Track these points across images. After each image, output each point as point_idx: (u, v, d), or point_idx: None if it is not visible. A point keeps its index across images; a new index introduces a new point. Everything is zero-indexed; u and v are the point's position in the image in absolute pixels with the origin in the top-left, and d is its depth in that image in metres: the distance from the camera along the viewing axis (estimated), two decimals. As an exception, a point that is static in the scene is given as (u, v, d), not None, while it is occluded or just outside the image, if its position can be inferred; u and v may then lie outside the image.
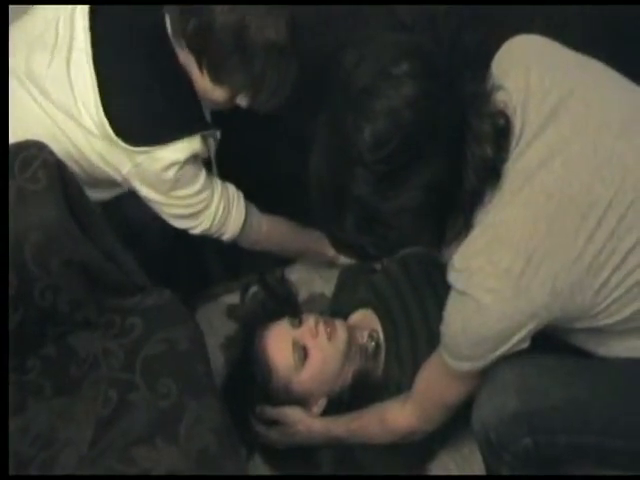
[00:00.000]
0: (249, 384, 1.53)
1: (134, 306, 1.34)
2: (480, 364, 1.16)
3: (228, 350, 1.63)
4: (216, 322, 1.71)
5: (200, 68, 1.39)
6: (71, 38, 1.41)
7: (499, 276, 1.09)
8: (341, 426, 1.46)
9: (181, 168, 1.41)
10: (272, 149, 1.75)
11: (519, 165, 1.11)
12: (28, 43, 1.43)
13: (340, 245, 1.23)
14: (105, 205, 1.49)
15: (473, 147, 1.09)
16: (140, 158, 1.39)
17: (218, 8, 1.32)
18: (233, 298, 1.76)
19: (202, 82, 1.41)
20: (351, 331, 1.54)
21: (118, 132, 1.37)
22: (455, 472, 1.52)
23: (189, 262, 1.70)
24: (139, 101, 1.39)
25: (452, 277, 1.14)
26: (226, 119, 1.53)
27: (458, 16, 1.72)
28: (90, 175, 1.44)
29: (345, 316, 1.63)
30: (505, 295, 1.09)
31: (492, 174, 1.11)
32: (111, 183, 1.47)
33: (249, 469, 1.48)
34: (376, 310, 1.62)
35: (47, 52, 1.41)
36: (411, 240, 1.19)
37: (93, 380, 1.27)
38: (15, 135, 1.31)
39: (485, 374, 1.18)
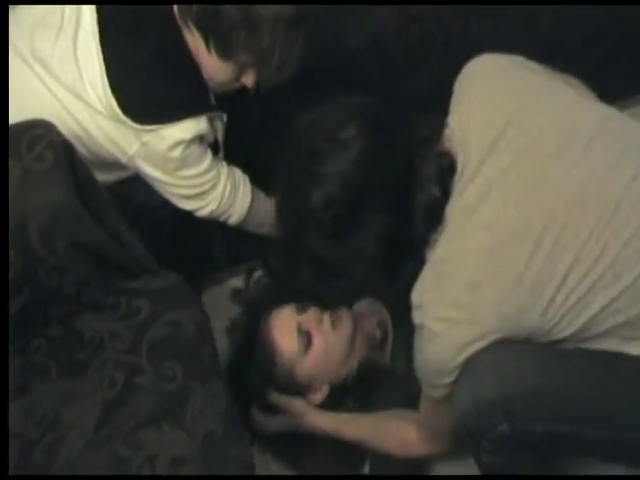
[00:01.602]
0: (253, 368, 1.52)
1: (140, 288, 1.34)
2: (448, 390, 1.18)
3: (233, 334, 1.62)
4: (221, 306, 1.70)
5: (207, 46, 1.39)
6: (78, 18, 1.40)
7: (448, 306, 1.14)
8: (352, 431, 1.45)
9: (187, 147, 1.41)
10: (277, 136, 1.74)
11: (460, 203, 1.15)
12: (32, 23, 1.43)
13: (300, 294, 1.31)
14: (111, 189, 1.48)
15: (419, 192, 1.15)
16: (147, 137, 1.39)
17: None
18: (238, 282, 1.75)
19: (210, 61, 1.41)
20: (358, 319, 1.54)
21: (125, 111, 1.36)
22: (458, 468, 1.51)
23: (194, 246, 1.69)
24: (146, 80, 1.39)
25: (413, 314, 1.17)
26: (232, 106, 1.52)
27: (466, 7, 1.72)
28: (96, 156, 1.43)
29: (350, 304, 1.61)
30: (455, 322, 1.13)
31: (438, 215, 1.15)
32: (117, 165, 1.46)
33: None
34: (384, 299, 1.61)
35: (52, 31, 1.40)
36: (366, 287, 1.25)
37: (99, 362, 1.27)
38: (21, 116, 1.30)
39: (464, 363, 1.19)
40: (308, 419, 1.50)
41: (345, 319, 1.51)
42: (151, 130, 1.38)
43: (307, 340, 1.48)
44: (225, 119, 1.50)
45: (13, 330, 1.24)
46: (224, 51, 1.39)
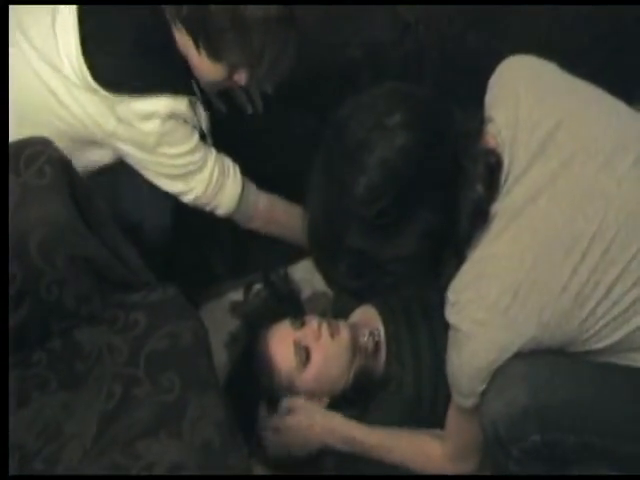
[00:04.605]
0: (252, 383, 1.53)
1: (138, 301, 1.35)
2: (479, 399, 1.16)
3: (231, 347, 1.63)
4: (220, 319, 1.70)
5: (197, 48, 1.39)
6: None
7: (487, 309, 1.11)
8: (374, 438, 1.42)
9: (164, 123, 1.40)
10: (272, 143, 1.75)
11: (506, 203, 1.13)
12: None
13: (333, 285, 1.27)
14: (108, 205, 1.50)
15: (465, 190, 1.11)
16: (119, 109, 1.39)
17: None
18: (237, 295, 1.76)
19: (200, 62, 1.41)
20: (354, 331, 1.54)
21: (96, 77, 1.37)
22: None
23: (193, 260, 1.70)
24: (121, 51, 1.40)
25: (447, 311, 1.16)
26: (229, 116, 1.54)
27: (463, 17, 1.73)
28: (77, 134, 1.43)
29: (347, 314, 1.63)
30: (493, 327, 1.11)
31: (483, 214, 1.13)
32: (99, 145, 1.46)
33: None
34: (378, 307, 1.61)
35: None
36: (404, 284, 1.21)
37: (97, 375, 1.28)
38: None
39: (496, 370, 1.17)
40: (324, 420, 1.47)
41: (343, 332, 1.51)
42: (122, 101, 1.38)
43: (305, 355, 1.49)
44: (225, 111, 1.48)
45: (13, 343, 1.26)
46: (214, 53, 1.39)
